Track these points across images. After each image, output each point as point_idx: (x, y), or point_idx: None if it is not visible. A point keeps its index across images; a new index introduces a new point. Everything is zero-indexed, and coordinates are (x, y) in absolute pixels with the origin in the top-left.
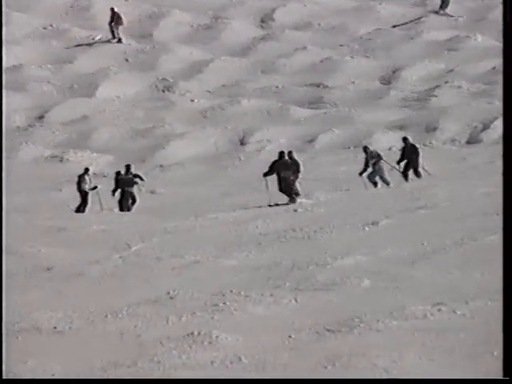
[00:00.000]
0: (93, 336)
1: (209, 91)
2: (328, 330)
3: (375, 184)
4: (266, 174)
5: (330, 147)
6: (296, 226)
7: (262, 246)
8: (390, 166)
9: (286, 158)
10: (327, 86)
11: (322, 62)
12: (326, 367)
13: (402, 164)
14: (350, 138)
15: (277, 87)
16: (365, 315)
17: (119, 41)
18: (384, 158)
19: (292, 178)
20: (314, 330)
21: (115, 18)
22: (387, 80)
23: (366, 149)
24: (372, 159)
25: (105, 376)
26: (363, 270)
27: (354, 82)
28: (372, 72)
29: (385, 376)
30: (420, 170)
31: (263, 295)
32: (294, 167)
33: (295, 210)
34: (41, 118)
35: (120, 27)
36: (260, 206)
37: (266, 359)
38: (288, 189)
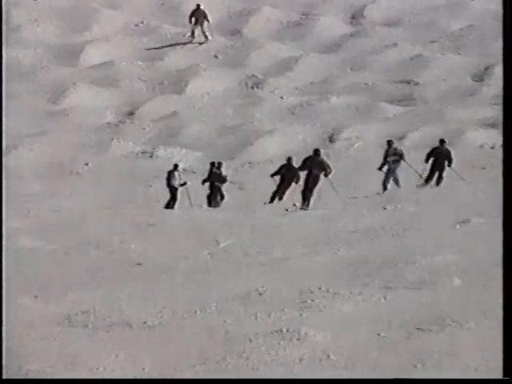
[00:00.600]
0: (182, 331)
1: (298, 88)
2: (418, 329)
3: (385, 188)
4: (275, 174)
5: (420, 145)
6: (385, 223)
7: (351, 244)
8: (411, 167)
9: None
10: (417, 83)
11: (412, 58)
12: (416, 366)
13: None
14: (441, 135)
15: (366, 84)
16: (456, 314)
17: (206, 38)
18: (406, 159)
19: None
20: (403, 328)
21: (200, 15)
22: (479, 77)
23: (390, 143)
24: (393, 156)
25: (194, 371)
26: (454, 269)
27: (445, 79)
28: (463, 69)
29: (474, 376)
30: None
31: (352, 293)
32: (322, 167)
33: (384, 208)
34: (131, 114)
35: (205, 24)
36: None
37: (355, 357)
38: (310, 190)
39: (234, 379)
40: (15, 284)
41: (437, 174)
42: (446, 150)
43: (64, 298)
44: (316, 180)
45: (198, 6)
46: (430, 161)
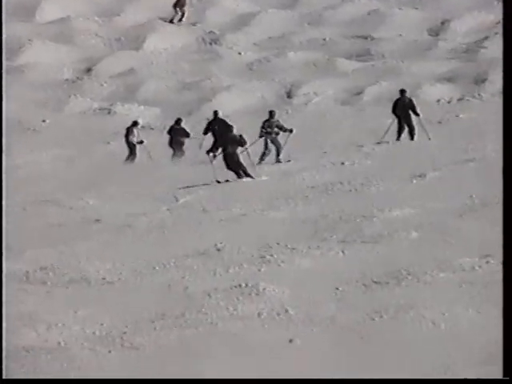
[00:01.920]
0: (141, 287)
1: (255, 44)
2: (375, 283)
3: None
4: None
5: (377, 99)
6: (343, 178)
7: (309, 199)
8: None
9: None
10: (375, 38)
11: (369, 13)
12: (373, 319)
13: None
14: (398, 90)
15: (324, 39)
16: (412, 267)
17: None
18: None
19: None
20: (361, 282)
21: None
22: (435, 31)
23: (271, 113)
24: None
25: (152, 327)
26: (411, 223)
27: (401, 34)
28: (420, 24)
29: (431, 328)
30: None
31: (310, 248)
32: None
33: (342, 163)
34: (89, 70)
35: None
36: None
37: (313, 311)
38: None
39: (235, 379)
40: None
41: (406, 128)
42: (409, 99)
43: (22, 255)
44: (234, 157)
45: None
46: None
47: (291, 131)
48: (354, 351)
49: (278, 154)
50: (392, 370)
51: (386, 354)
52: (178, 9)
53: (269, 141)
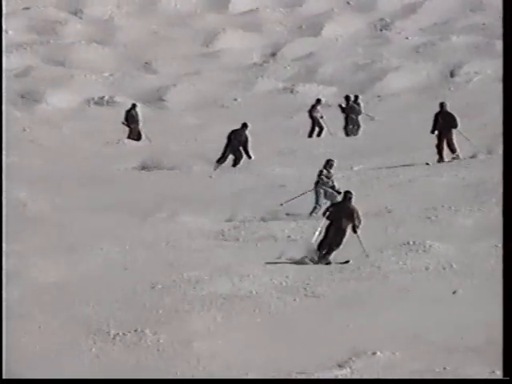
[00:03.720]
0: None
1: (421, 29)
2: None
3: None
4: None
5: None
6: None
7: (470, 167)
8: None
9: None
10: None
11: None
12: None
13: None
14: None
15: (483, 24)
16: None
17: None
18: None
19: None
20: None
21: None
22: None
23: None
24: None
25: (332, 279)
26: None
27: None
28: None
29: None
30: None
31: (471, 210)
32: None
33: None
34: (273, 55)
35: None
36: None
37: (474, 265)
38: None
39: (235, 379)
40: (177, 203)
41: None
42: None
43: (218, 215)
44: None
45: None
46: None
47: (340, 193)
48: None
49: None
50: None
51: None
52: None
53: (321, 193)
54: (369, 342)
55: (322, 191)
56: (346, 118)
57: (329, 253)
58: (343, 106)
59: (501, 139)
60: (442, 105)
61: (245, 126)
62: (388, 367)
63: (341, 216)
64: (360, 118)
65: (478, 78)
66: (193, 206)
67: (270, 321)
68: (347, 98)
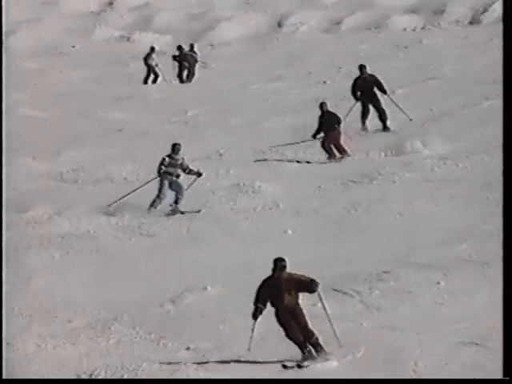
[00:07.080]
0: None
1: None
2: (351, 181)
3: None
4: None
5: (353, 28)
6: (325, 95)
7: (298, 112)
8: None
9: None
10: None
11: None
12: (349, 211)
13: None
14: (371, 20)
15: None
16: (383, 169)
17: None
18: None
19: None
20: (339, 181)
21: None
22: None
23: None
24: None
25: (168, 221)
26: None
27: None
28: None
29: (398, 219)
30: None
31: (297, 153)
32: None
33: (324, 82)
34: (111, 3)
35: None
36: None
37: (299, 205)
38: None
39: (234, 379)
40: (16, 146)
41: (371, 108)
42: (370, 75)
43: (57, 159)
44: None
45: None
46: (358, 94)
47: (199, 175)
48: (333, 237)
49: (176, 201)
50: (364, 251)
51: (359, 239)
52: None
53: (165, 184)
54: (201, 278)
55: (166, 182)
56: (180, 66)
57: (315, 350)
58: (175, 55)
59: (324, 87)
60: (322, 105)
61: None
62: (218, 301)
63: (280, 294)
64: (197, 66)
65: (303, 28)
66: (32, 150)
67: (107, 259)
68: (179, 47)
